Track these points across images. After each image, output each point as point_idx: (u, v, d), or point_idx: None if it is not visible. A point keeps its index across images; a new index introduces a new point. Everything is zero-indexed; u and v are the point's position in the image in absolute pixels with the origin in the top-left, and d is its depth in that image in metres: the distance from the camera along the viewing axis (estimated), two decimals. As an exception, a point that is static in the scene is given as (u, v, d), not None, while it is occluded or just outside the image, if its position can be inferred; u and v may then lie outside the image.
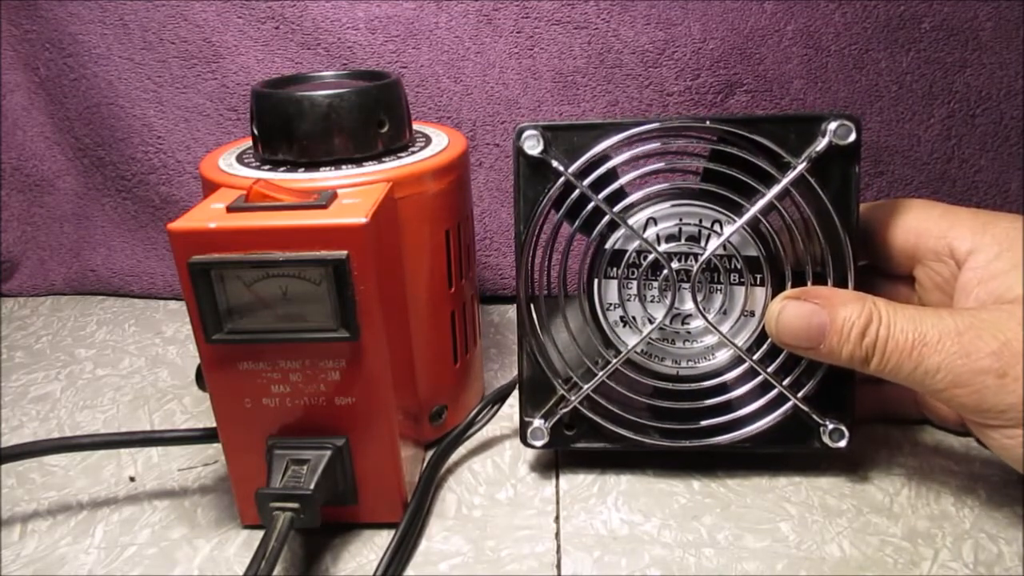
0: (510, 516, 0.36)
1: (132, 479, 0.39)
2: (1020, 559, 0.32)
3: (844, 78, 0.53)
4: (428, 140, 0.40)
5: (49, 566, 0.34)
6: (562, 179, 0.34)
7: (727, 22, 0.52)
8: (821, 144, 0.33)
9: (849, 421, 0.35)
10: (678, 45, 0.53)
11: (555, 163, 0.34)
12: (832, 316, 0.32)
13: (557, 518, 0.35)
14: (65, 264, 0.63)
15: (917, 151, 0.54)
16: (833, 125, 0.32)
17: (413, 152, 0.37)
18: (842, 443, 0.35)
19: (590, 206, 0.34)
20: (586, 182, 0.34)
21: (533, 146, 0.34)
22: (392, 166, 0.35)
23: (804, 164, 0.33)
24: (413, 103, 0.52)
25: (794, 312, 0.33)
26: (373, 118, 0.36)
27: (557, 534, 0.34)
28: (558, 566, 0.33)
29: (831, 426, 0.35)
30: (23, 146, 0.61)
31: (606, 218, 0.34)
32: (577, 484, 0.37)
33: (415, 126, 0.42)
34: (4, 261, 0.63)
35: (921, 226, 0.35)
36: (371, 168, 0.35)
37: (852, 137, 0.33)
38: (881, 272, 0.38)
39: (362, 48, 0.55)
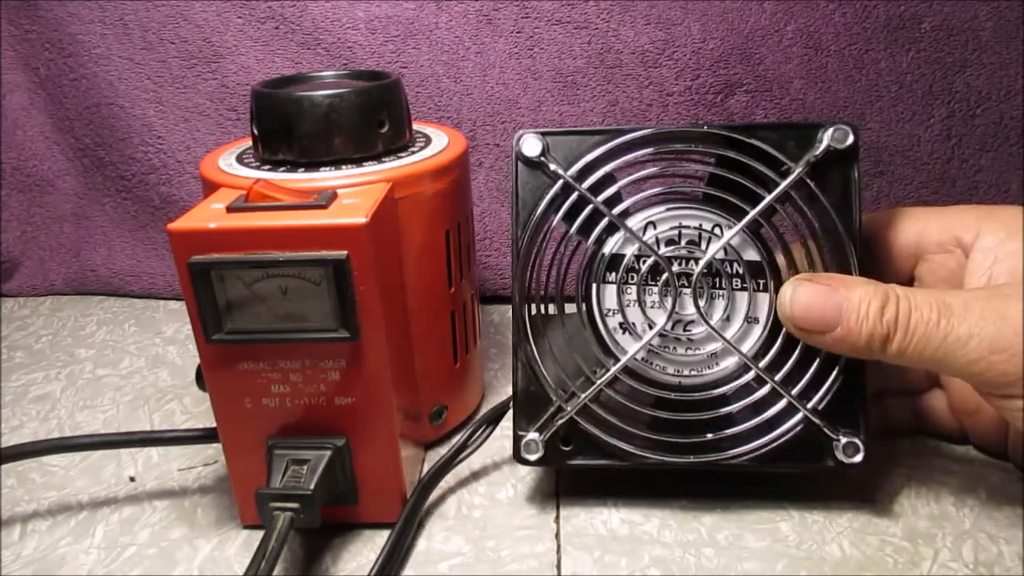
0: (510, 516, 0.36)
1: (132, 479, 0.39)
2: (1020, 559, 0.32)
3: (844, 78, 0.53)
4: (428, 140, 0.40)
5: (49, 566, 0.34)
6: (560, 181, 0.34)
7: (727, 22, 0.52)
8: (819, 149, 0.33)
9: (863, 434, 0.33)
10: (678, 45, 0.53)
11: (553, 165, 0.34)
12: (848, 296, 0.30)
13: (557, 518, 0.35)
14: (65, 264, 0.63)
15: (917, 151, 0.54)
16: (830, 130, 0.33)
17: (413, 152, 0.37)
18: (857, 458, 0.33)
19: (588, 208, 0.34)
20: (584, 185, 0.34)
21: (532, 147, 0.34)
22: (392, 166, 0.35)
23: (803, 168, 0.33)
24: (413, 103, 0.52)
25: (808, 291, 0.31)
26: (373, 118, 0.36)
27: (557, 534, 0.34)
28: (558, 566, 0.33)
29: (844, 440, 0.33)
30: (23, 146, 0.61)
31: (604, 221, 0.34)
32: (577, 484, 0.37)
33: (415, 126, 0.42)
34: (4, 261, 0.63)
35: (920, 224, 0.35)
36: (371, 168, 0.35)
37: (850, 140, 0.33)
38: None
39: (362, 48, 0.55)
